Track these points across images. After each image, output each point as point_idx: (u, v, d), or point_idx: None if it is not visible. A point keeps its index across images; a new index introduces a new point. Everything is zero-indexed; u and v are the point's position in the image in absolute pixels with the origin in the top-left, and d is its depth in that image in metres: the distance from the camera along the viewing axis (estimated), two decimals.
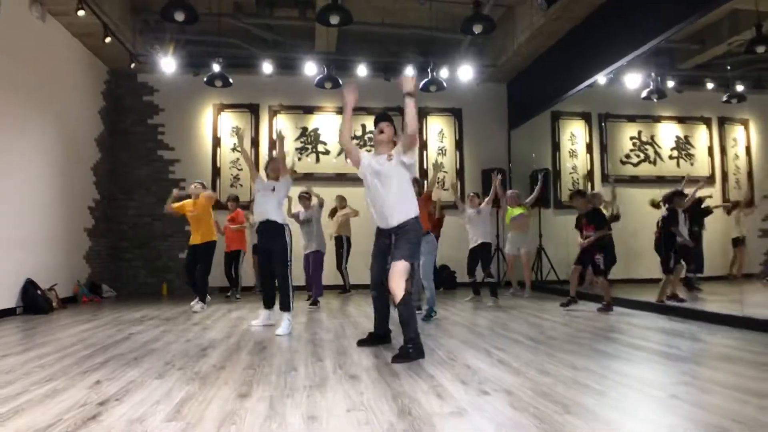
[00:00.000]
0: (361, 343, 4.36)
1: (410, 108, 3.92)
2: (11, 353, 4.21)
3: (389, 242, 4.09)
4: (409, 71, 9.69)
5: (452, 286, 9.97)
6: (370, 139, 10.62)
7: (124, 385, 3.14)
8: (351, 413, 2.55)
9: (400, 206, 4.03)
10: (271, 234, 5.38)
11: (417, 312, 5.97)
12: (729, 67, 8.97)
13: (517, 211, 8.38)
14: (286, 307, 5.21)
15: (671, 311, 6.16)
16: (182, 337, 4.91)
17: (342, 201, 8.95)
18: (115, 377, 3.33)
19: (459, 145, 10.97)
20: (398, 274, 3.87)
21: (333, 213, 9.01)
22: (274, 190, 5.48)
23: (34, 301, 6.90)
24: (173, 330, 5.32)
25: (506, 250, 8.75)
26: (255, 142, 10.46)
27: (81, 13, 7.35)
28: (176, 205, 7.21)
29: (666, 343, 4.42)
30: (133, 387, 3.09)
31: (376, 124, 4.31)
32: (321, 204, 7.70)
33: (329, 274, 8.74)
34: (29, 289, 6.95)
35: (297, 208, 7.79)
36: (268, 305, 5.58)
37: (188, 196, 7.33)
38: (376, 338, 4.37)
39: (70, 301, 8.10)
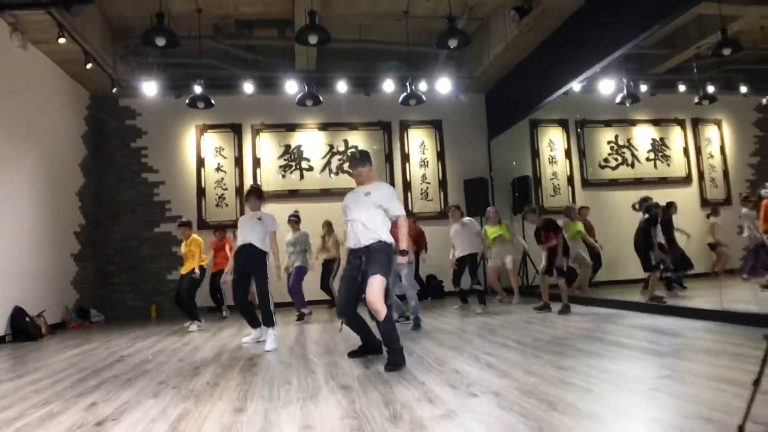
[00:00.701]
0: (352, 354, 4.42)
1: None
2: (4, 379, 4.24)
3: (359, 263, 4.11)
4: (389, 85, 9.85)
5: (440, 296, 10.06)
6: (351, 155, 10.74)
7: (119, 405, 3.19)
8: (344, 420, 2.63)
9: (372, 230, 4.11)
10: (252, 257, 5.45)
11: (405, 321, 6.15)
12: (695, 71, 9.22)
13: (496, 232, 8.40)
14: (269, 322, 5.31)
15: (654, 309, 6.30)
16: (174, 357, 4.95)
17: (329, 227, 8.83)
18: (110, 398, 3.37)
19: (440, 156, 11.12)
20: (378, 290, 3.91)
21: (323, 240, 8.92)
22: (260, 219, 5.59)
23: (22, 328, 6.89)
24: (165, 351, 5.35)
25: (489, 263, 8.66)
26: (238, 162, 10.53)
27: (62, 40, 7.41)
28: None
29: (648, 339, 4.55)
30: (128, 407, 3.14)
31: (351, 167, 4.42)
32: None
33: (316, 291, 8.81)
34: (17, 316, 6.93)
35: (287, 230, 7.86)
36: (255, 325, 5.64)
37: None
38: (367, 349, 4.43)
39: (59, 327, 8.07)
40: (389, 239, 4.17)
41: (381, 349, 4.38)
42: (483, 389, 3.09)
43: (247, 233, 5.50)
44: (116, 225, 10.15)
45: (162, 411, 3.01)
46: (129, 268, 10.10)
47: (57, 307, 8.26)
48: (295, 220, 7.88)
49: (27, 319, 7.04)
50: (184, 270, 7.31)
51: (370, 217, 4.11)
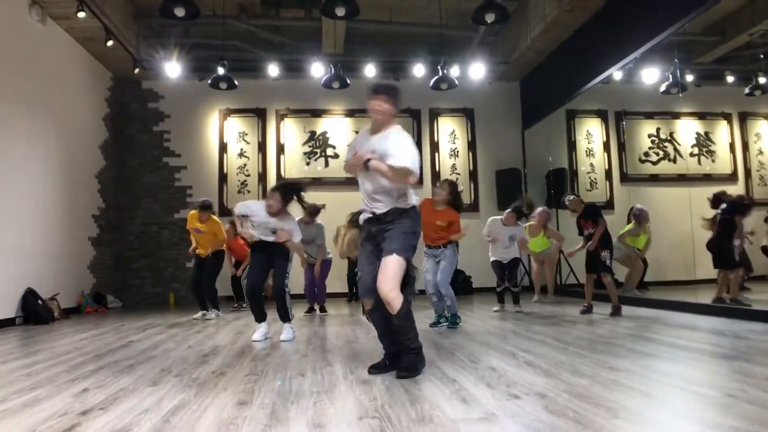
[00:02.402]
0: (375, 369, 3.22)
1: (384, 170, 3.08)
2: (0, 362, 3.94)
3: (375, 232, 3.25)
4: (419, 69, 9.42)
5: (468, 292, 9.60)
6: None
7: (112, 393, 2.83)
8: (363, 421, 2.23)
9: (387, 194, 3.20)
10: (273, 245, 4.79)
11: (443, 324, 5.44)
12: (761, 56, 8.59)
13: (541, 245, 7.95)
14: (286, 318, 4.83)
15: (705, 310, 5.78)
16: (183, 344, 4.61)
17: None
18: (105, 385, 3.02)
19: (472, 146, 10.64)
20: (392, 274, 3.06)
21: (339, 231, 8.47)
22: (275, 232, 4.74)
23: (34, 311, 6.65)
24: (175, 337, 5.02)
25: (531, 257, 8.27)
26: (262, 147, 10.21)
27: (81, 14, 7.14)
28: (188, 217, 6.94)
29: (707, 341, 4.06)
30: (122, 395, 2.78)
31: (372, 93, 3.24)
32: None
33: (334, 282, 8.40)
34: (29, 298, 6.70)
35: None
36: (262, 318, 4.86)
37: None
38: (394, 358, 3.25)
39: (74, 312, 7.84)
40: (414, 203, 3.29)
41: None
42: (525, 390, 2.65)
43: (263, 233, 4.82)
44: (136, 210, 9.92)
45: (157, 401, 2.64)
46: (148, 254, 9.86)
47: (72, 292, 8.03)
48: (313, 211, 7.06)
49: (39, 301, 6.81)
50: (203, 251, 6.85)
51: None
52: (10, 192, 6.57)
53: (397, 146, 3.11)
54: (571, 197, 6.40)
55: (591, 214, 6.21)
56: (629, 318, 5.68)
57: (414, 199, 3.31)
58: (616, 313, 5.90)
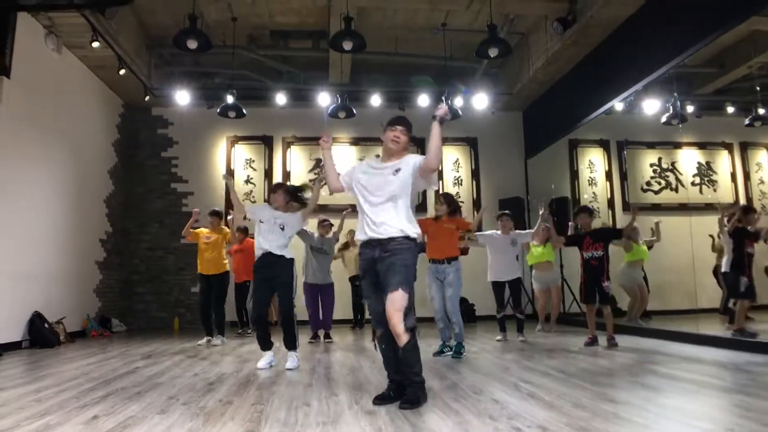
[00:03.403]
0: (379, 400, 3.25)
1: (435, 131, 3.40)
2: (8, 386, 3.99)
3: (375, 258, 3.30)
4: (424, 100, 9.59)
5: (472, 320, 9.62)
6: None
7: (122, 420, 2.89)
8: None
9: (396, 219, 3.31)
10: (276, 266, 4.79)
11: (446, 353, 5.43)
12: (758, 89, 8.74)
13: (544, 255, 7.70)
14: (292, 346, 4.82)
15: (708, 341, 5.80)
16: (189, 371, 4.66)
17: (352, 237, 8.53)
18: (114, 412, 3.08)
19: (475, 174, 10.77)
20: (399, 308, 3.14)
21: (345, 247, 8.75)
22: (283, 228, 4.87)
23: (40, 335, 6.70)
24: (181, 364, 5.07)
25: (535, 287, 7.94)
26: (268, 174, 10.35)
27: (95, 44, 7.33)
28: (192, 231, 6.98)
29: (708, 373, 4.10)
30: (131, 423, 2.84)
31: (391, 125, 3.53)
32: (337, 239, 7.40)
33: (338, 309, 8.44)
34: (36, 322, 6.76)
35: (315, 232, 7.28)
36: (267, 346, 4.85)
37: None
38: (398, 388, 3.29)
39: (79, 336, 7.89)
40: (416, 232, 3.36)
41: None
42: (528, 423, 2.70)
43: (267, 241, 4.81)
44: (143, 234, 10.03)
45: (166, 429, 2.71)
46: (153, 278, 9.94)
47: (78, 315, 8.09)
48: (328, 225, 7.32)
49: (46, 325, 6.87)
50: (212, 270, 6.85)
51: (395, 204, 3.33)
52: (20, 214, 6.68)
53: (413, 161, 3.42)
54: (587, 213, 6.22)
55: (604, 236, 6.01)
56: (631, 349, 5.70)
57: (417, 228, 3.39)
58: (612, 344, 5.83)
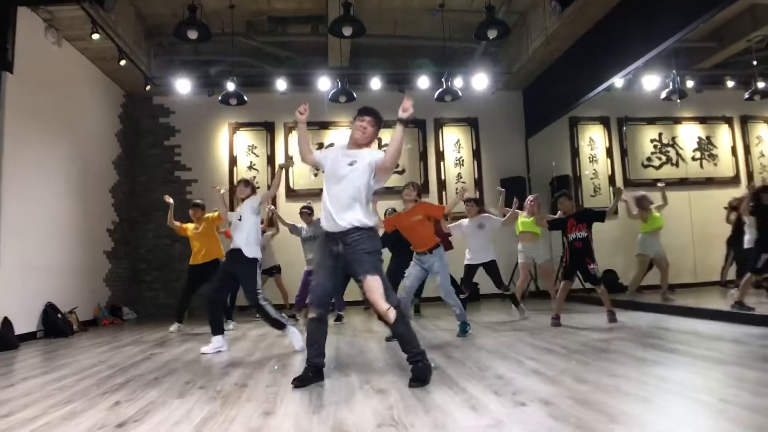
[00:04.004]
0: (299, 381, 3.36)
1: (398, 133, 3.50)
2: (30, 376, 4.14)
3: (337, 251, 3.47)
4: (424, 82, 9.61)
5: (476, 299, 9.75)
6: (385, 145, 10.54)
7: (143, 405, 3.03)
8: (382, 428, 2.41)
9: (353, 210, 3.44)
10: (239, 262, 5.01)
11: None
12: (755, 63, 8.73)
13: (527, 227, 7.49)
14: (280, 326, 4.98)
15: (707, 315, 5.92)
16: (203, 356, 4.80)
17: None
18: (135, 398, 3.22)
19: (476, 154, 10.83)
20: (380, 293, 3.33)
21: None
22: (240, 219, 5.15)
23: (54, 325, 6.85)
24: (194, 350, 5.21)
25: (519, 260, 7.80)
26: (271, 160, 10.44)
27: (95, 36, 7.38)
28: (178, 224, 7.15)
29: (706, 346, 4.21)
30: (152, 407, 2.97)
31: (360, 114, 3.65)
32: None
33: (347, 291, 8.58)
34: (49, 312, 6.91)
35: (299, 223, 7.48)
36: (218, 331, 5.06)
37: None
38: (316, 371, 3.48)
39: (91, 324, 8.06)
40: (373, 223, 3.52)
41: (323, 375, 3.55)
42: (531, 397, 2.83)
43: (235, 236, 5.12)
44: (149, 223, 10.15)
45: (187, 413, 2.84)
46: (161, 266, 10.08)
47: (89, 304, 8.25)
48: (308, 212, 7.42)
49: (59, 315, 7.01)
50: (202, 259, 6.94)
51: (354, 193, 3.46)
52: (28, 207, 6.79)
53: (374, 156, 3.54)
54: (566, 197, 6.19)
55: (587, 217, 6.03)
56: (631, 324, 5.82)
57: (375, 218, 3.58)
58: (612, 319, 5.92)
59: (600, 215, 6.05)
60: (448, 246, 8.12)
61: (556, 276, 8.14)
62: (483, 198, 10.58)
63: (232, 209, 7.07)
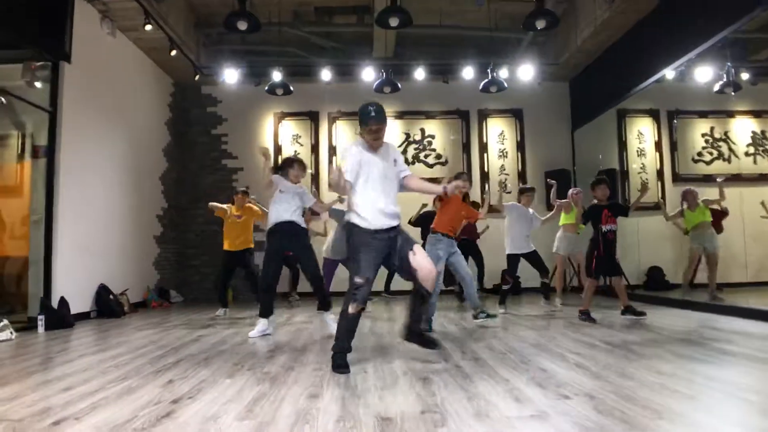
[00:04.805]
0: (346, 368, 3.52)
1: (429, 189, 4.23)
2: (87, 353, 4.34)
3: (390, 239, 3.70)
4: (468, 72, 9.54)
5: (517, 292, 9.68)
6: (429, 143, 10.54)
7: (196, 383, 3.15)
8: (426, 415, 2.46)
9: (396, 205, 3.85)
10: (292, 235, 5.14)
11: (483, 317, 5.77)
12: None
13: (568, 219, 7.51)
14: (327, 306, 5.21)
15: (759, 315, 5.75)
16: (249, 339, 4.93)
17: None
18: (187, 376, 3.35)
19: (521, 146, 10.71)
20: (428, 258, 3.79)
21: None
22: (299, 193, 5.32)
23: (107, 306, 7.15)
24: (240, 333, 5.36)
25: (560, 251, 7.66)
26: (315, 149, 10.56)
27: (148, 27, 7.60)
28: (219, 212, 7.26)
29: (756, 347, 4.11)
30: (204, 386, 3.10)
31: (365, 125, 3.77)
32: None
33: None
34: (102, 294, 7.20)
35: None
36: (269, 313, 5.19)
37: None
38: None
39: (141, 306, 8.36)
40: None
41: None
42: (575, 391, 2.83)
43: (281, 209, 5.14)
44: (197, 210, 10.40)
45: (237, 392, 2.95)
46: (207, 251, 10.34)
47: (139, 287, 8.55)
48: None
49: (111, 296, 7.30)
50: (240, 246, 7.08)
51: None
52: (83, 192, 7.06)
53: (400, 158, 3.98)
54: (605, 184, 6.03)
55: (618, 210, 5.93)
56: (678, 322, 5.71)
57: None
58: (633, 312, 5.79)
59: (625, 210, 5.98)
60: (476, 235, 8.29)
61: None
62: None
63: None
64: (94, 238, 7.28)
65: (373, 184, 3.69)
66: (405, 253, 3.66)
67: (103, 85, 7.62)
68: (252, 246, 7.27)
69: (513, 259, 6.72)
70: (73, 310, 6.56)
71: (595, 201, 6.00)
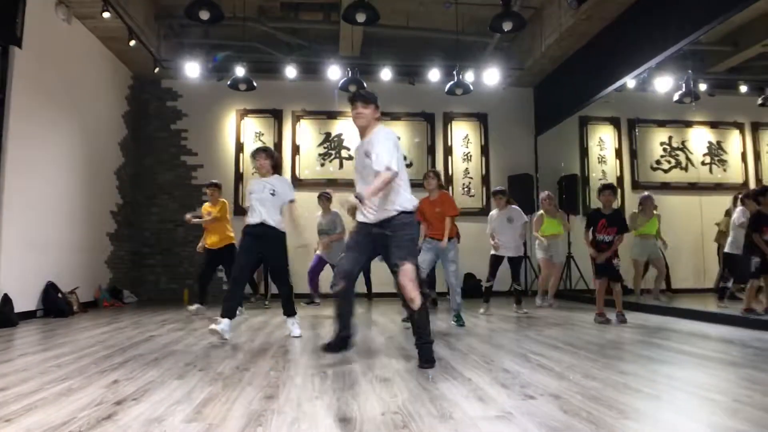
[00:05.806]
0: (328, 348, 3.71)
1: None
2: (28, 352, 4.08)
3: (377, 233, 3.56)
4: (434, 74, 9.52)
5: (479, 295, 9.66)
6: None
7: (142, 385, 2.97)
8: (386, 416, 2.34)
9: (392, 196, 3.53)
10: (267, 240, 4.79)
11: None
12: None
13: (554, 229, 7.70)
14: (292, 312, 4.96)
15: (715, 319, 5.85)
16: (203, 339, 4.74)
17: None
18: (134, 377, 3.16)
19: (485, 150, 10.74)
20: (412, 278, 3.38)
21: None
22: (273, 194, 4.81)
23: (54, 304, 6.80)
24: (194, 333, 5.16)
25: (543, 255, 7.77)
26: (277, 148, 10.34)
27: (106, 15, 7.31)
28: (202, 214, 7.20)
29: (715, 348, 4.14)
30: (152, 387, 2.91)
31: (352, 104, 3.69)
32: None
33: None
34: (50, 292, 6.86)
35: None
36: (232, 314, 4.68)
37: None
38: (341, 342, 3.71)
39: (91, 306, 8.00)
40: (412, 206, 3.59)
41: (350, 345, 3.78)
42: (540, 391, 2.76)
43: (258, 210, 4.78)
44: (153, 207, 10.09)
45: (187, 393, 2.78)
46: (163, 250, 10.03)
47: (90, 286, 8.19)
48: (327, 196, 7.45)
49: (59, 295, 6.95)
50: (216, 244, 7.01)
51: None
52: (33, 183, 6.71)
53: (375, 147, 3.49)
54: (611, 190, 6.14)
55: (621, 221, 6.00)
56: (638, 325, 5.75)
57: (412, 201, 3.60)
58: (621, 320, 5.85)
59: (624, 225, 6.01)
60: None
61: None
62: (490, 195, 10.49)
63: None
64: (42, 233, 6.93)
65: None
66: (393, 267, 3.48)
67: (57, 72, 7.28)
68: (233, 242, 7.09)
69: (493, 260, 6.80)
70: (18, 309, 6.20)
71: (600, 207, 6.06)
